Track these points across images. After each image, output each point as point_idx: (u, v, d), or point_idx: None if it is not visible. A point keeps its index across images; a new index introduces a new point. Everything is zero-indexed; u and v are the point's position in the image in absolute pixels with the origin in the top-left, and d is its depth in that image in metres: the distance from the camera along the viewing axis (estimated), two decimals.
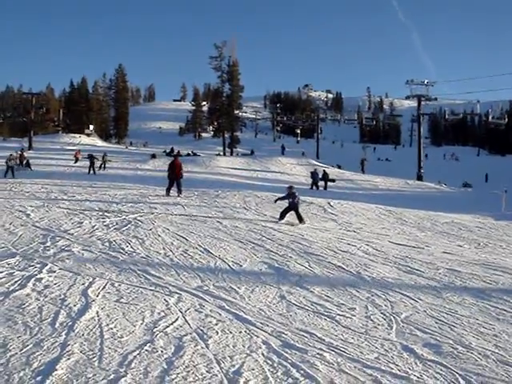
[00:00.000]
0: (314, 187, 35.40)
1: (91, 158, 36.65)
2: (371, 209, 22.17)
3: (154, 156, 58.27)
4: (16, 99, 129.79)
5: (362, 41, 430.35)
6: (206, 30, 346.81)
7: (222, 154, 79.44)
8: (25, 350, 5.09)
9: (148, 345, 5.33)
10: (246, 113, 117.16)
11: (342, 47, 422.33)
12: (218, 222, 14.96)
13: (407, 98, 64.71)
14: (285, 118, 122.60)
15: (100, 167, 39.78)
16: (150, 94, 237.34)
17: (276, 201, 17.72)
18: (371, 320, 6.61)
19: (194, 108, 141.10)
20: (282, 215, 16.40)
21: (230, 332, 5.85)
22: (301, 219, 16.22)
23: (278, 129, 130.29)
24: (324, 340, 5.76)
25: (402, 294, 7.99)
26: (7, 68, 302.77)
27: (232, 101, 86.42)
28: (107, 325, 5.85)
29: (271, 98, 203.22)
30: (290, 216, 16.44)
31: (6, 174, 29.02)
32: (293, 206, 16.47)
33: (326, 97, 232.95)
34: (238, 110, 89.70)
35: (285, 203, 16.85)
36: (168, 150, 72.92)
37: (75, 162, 44.82)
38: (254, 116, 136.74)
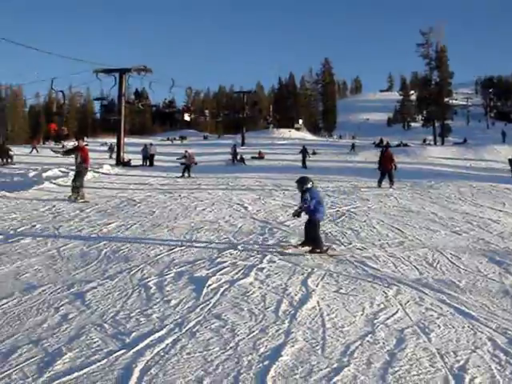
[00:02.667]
0: None
1: (304, 151, 37.27)
2: None
3: (353, 147, 58.33)
4: (228, 98, 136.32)
5: None
6: (412, 17, 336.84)
7: (432, 143, 77.38)
8: (251, 335, 5.33)
9: (369, 336, 5.33)
10: (456, 100, 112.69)
11: None
12: (433, 213, 14.55)
13: None
14: (499, 104, 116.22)
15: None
16: (356, 86, 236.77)
17: (295, 215, 9.73)
18: None
19: (401, 97, 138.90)
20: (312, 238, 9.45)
21: (453, 326, 5.66)
22: (315, 245, 9.26)
23: (492, 115, 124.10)
24: None
25: None
26: (219, 69, 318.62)
27: (441, 88, 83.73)
28: (328, 315, 5.93)
29: (483, 82, 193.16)
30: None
31: (183, 172, 28.83)
32: (312, 221, 9.46)
33: None
34: (447, 98, 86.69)
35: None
36: (377, 141, 72.56)
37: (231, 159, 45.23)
38: (464, 103, 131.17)
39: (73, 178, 18.31)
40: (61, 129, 36.18)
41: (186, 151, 31.54)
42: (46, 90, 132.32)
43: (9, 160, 43.71)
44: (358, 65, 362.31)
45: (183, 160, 30.77)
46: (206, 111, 57.02)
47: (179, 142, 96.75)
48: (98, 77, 37.34)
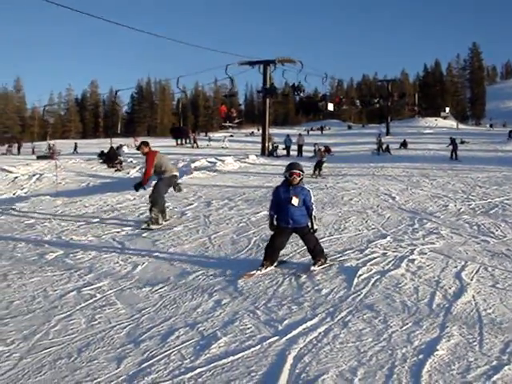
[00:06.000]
0: None
1: (453, 142, 36.08)
2: None
3: (510, 135, 55.44)
4: (372, 87, 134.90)
5: None
6: None
7: None
8: (405, 327, 5.24)
9: None
10: None
11: None
12: None
13: None
14: None
15: None
16: (507, 71, 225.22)
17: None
18: None
19: None
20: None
21: None
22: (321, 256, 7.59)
23: None
24: None
25: None
26: (364, 59, 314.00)
27: None
28: (484, 310, 5.70)
29: None
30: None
31: (314, 170, 23.54)
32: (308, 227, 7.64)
33: None
34: None
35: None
36: None
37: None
38: None
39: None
40: (230, 111, 37.53)
41: (316, 144, 29.67)
42: (192, 85, 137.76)
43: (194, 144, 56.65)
44: (508, 48, 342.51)
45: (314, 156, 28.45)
46: (357, 101, 56.39)
47: (318, 132, 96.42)
48: (226, 72, 36.76)
